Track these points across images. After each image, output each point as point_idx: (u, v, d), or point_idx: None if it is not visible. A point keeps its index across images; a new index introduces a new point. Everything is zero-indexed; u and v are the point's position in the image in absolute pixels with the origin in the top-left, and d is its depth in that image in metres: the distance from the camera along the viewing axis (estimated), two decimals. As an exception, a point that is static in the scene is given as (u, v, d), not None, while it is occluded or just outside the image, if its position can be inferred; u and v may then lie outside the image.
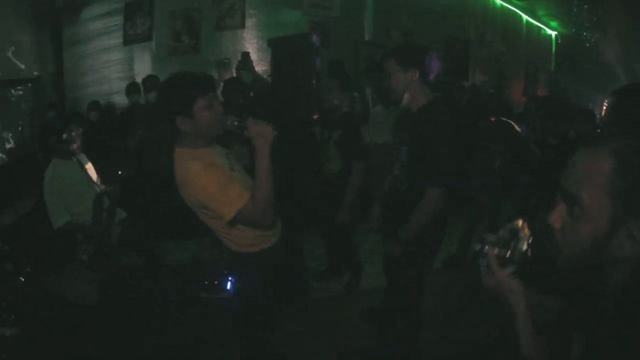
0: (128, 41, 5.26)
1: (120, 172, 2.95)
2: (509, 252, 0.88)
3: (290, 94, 3.50)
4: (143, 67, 5.05)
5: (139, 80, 4.94)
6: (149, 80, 4.18)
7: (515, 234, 0.89)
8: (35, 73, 5.66)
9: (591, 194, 0.68)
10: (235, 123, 1.50)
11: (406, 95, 1.88)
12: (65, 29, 5.66)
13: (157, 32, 5.04)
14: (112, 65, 5.39)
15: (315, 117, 3.57)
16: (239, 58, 3.42)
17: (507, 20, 6.32)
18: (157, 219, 4.05)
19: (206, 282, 3.02)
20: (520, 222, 0.90)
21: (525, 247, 0.87)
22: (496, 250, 0.89)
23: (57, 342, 2.41)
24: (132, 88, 4.45)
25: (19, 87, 5.57)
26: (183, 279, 3.30)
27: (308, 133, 3.28)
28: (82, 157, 2.85)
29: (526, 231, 0.88)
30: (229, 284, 2.95)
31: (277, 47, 3.68)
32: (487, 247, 0.91)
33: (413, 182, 1.93)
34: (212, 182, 1.47)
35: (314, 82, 3.25)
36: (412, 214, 1.87)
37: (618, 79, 6.67)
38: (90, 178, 2.82)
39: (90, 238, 2.72)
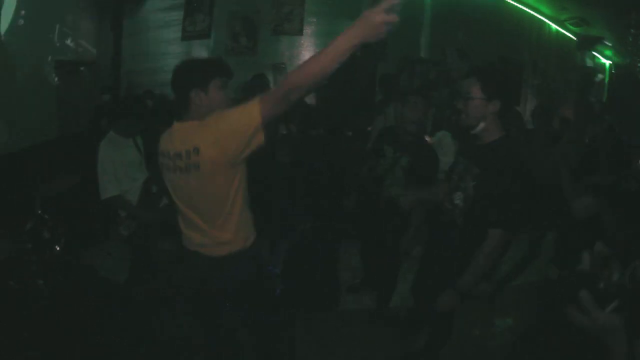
0: (186, 36, 5.47)
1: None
2: (602, 285, 0.76)
3: (346, 102, 3.55)
4: (199, 63, 5.21)
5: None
6: None
7: (604, 262, 0.77)
8: (94, 58, 5.93)
9: None
10: None
11: (482, 124, 1.79)
12: (127, 18, 5.90)
13: (216, 30, 5.22)
14: (169, 57, 5.59)
15: (369, 128, 3.63)
16: (294, 63, 3.49)
17: (562, 46, 6.23)
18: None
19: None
20: (603, 249, 0.80)
21: (618, 276, 0.77)
22: (586, 288, 0.76)
23: (84, 312, 2.42)
24: None
25: (79, 69, 5.84)
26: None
27: (347, 141, 3.22)
28: (139, 140, 2.92)
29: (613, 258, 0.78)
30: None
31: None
32: (575, 282, 0.78)
33: (477, 219, 1.82)
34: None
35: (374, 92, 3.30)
36: (472, 259, 1.78)
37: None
38: (142, 161, 2.89)
39: (133, 217, 2.76)
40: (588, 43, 6.02)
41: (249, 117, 1.44)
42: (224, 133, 1.48)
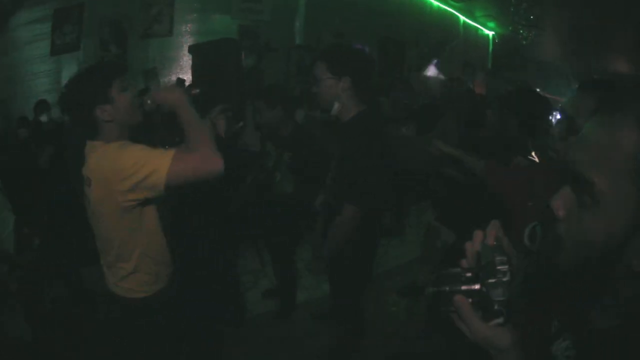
0: (55, 51, 5.05)
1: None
2: (482, 290, 0.58)
3: (215, 101, 3.42)
4: (71, 79, 4.85)
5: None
6: None
7: (489, 261, 0.58)
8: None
9: (606, 178, 0.51)
10: (149, 102, 1.46)
11: (336, 104, 1.79)
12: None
13: (85, 41, 4.86)
14: (40, 77, 5.14)
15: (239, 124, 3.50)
16: (166, 66, 3.31)
17: (444, 22, 6.46)
18: (82, 242, 3.84)
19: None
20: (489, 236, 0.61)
21: (508, 279, 0.56)
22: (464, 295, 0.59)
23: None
24: (41, 106, 4.25)
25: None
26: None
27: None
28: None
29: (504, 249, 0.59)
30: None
31: (197, 53, 3.60)
32: (445, 287, 0.60)
33: (338, 198, 1.87)
34: (138, 150, 1.35)
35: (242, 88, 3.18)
36: (329, 231, 1.88)
37: (555, 77, 6.90)
38: (8, 202, 2.59)
39: (18, 266, 2.54)
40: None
41: (153, 160, 1.29)
42: (116, 169, 1.31)
